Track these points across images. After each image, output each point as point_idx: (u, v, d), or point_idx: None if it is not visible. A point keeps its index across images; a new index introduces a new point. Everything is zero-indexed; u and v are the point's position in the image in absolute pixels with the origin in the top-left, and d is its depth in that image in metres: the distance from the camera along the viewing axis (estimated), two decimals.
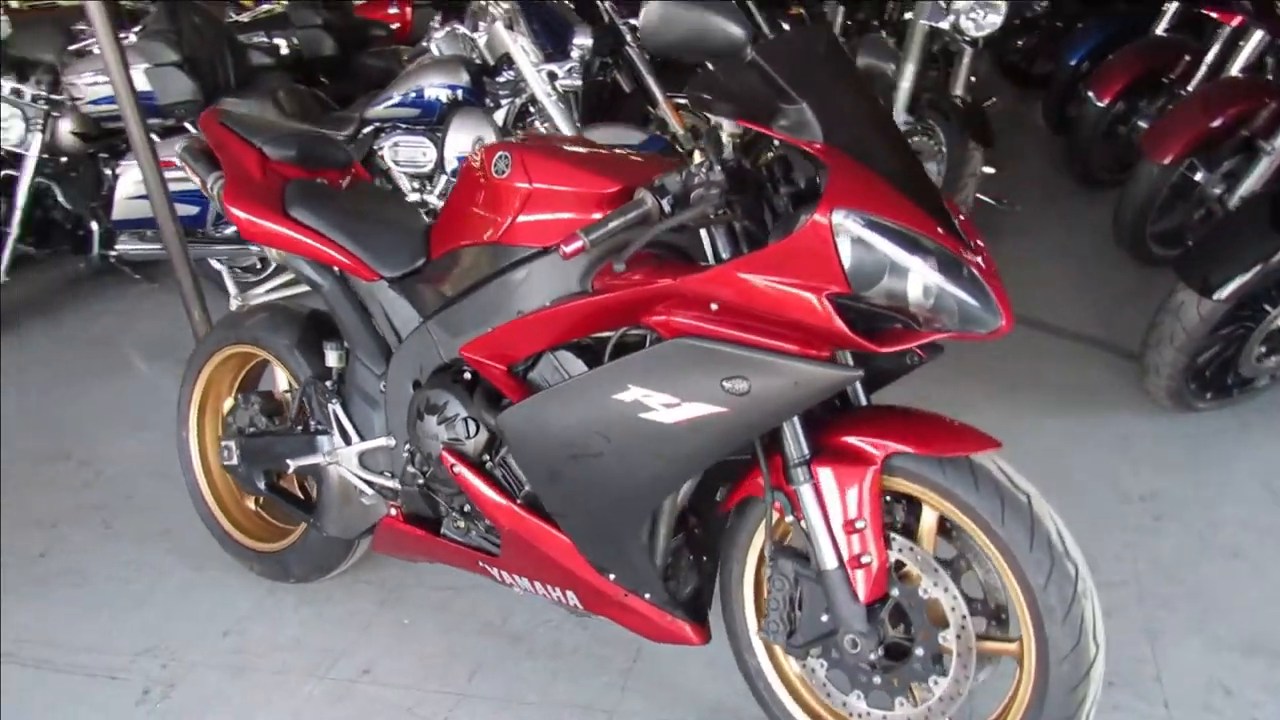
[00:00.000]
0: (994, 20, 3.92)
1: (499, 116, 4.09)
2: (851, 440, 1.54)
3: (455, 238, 1.84)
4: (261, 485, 2.32)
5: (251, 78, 4.60)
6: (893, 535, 1.56)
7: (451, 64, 4.03)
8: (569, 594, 1.85)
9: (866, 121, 1.52)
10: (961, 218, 1.54)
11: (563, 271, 1.64)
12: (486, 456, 1.84)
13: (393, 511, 2.08)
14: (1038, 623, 1.47)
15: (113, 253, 4.45)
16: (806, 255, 1.36)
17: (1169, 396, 2.77)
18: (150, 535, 2.71)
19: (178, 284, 3.36)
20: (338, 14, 5.64)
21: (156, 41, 4.16)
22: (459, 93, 3.97)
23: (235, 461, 2.32)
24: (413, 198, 4.05)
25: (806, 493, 1.54)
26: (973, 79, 4.26)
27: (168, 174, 3.21)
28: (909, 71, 3.99)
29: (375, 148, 4.13)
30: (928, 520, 1.57)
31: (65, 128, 4.34)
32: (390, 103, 4.06)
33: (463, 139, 3.86)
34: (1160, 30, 4.69)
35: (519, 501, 1.80)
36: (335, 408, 2.12)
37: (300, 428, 2.23)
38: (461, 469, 1.82)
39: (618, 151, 1.85)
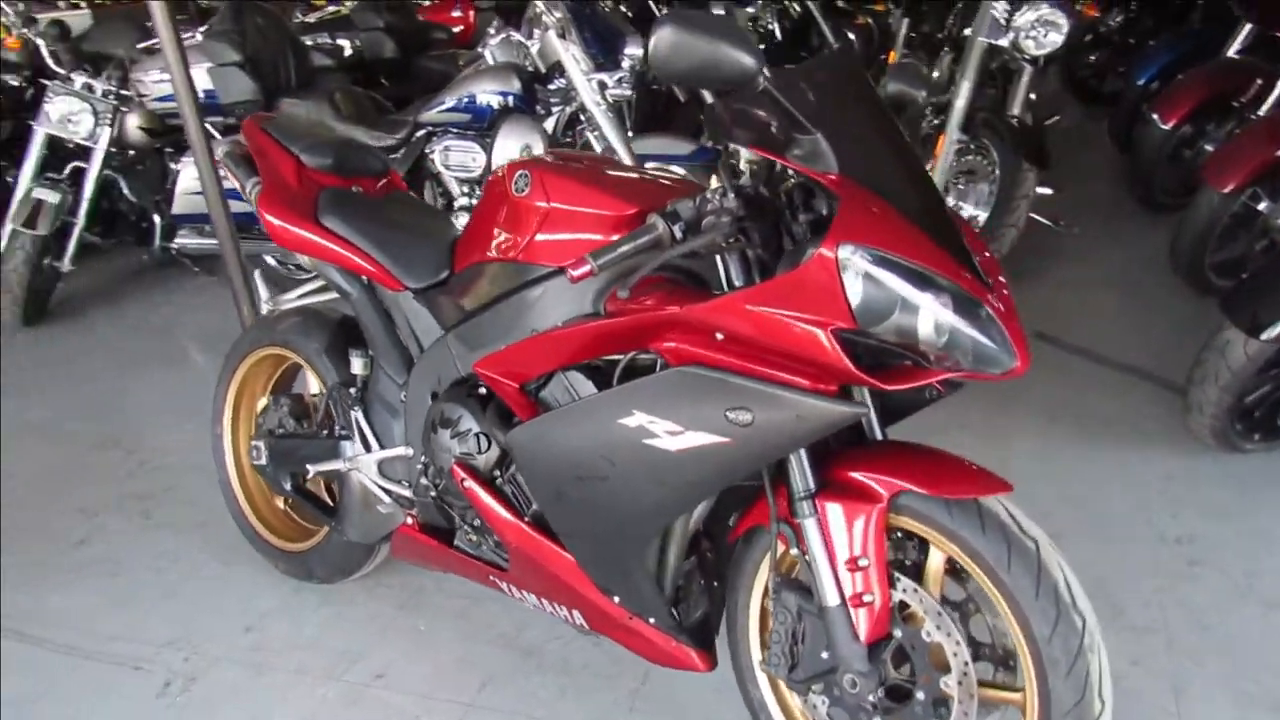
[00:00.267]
0: (1055, 39, 3.82)
1: (549, 124, 4.12)
2: (858, 476, 1.51)
3: (478, 252, 1.85)
4: (288, 486, 2.36)
5: (312, 79, 4.71)
6: (898, 576, 1.53)
7: (504, 70, 4.06)
8: (575, 613, 1.85)
9: (886, 153, 1.49)
10: (987, 254, 1.50)
11: (576, 293, 1.64)
12: (497, 472, 1.84)
13: (409, 520, 2.10)
14: (1041, 674, 1.43)
15: (173, 245, 4.59)
16: (812, 289, 1.34)
17: (1213, 436, 2.67)
18: (187, 528, 2.78)
19: (229, 279, 3.44)
20: (400, 17, 5.73)
21: (220, 42, 4.28)
22: (510, 99, 4.00)
23: (264, 462, 2.36)
24: (462, 202, 4.09)
25: (811, 527, 1.52)
26: (1033, 97, 4.17)
27: (223, 172, 3.28)
28: (965, 89, 3.90)
29: (427, 151, 4.18)
30: (935, 561, 1.54)
31: (133, 123, 4.47)
32: (443, 107, 4.11)
33: (511, 145, 3.88)
34: (1233, 51, 4.53)
35: (527, 519, 1.81)
36: (358, 415, 2.14)
37: (325, 432, 2.27)
38: (472, 484, 1.83)
39: (643, 173, 1.85)
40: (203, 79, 4.22)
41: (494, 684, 2.13)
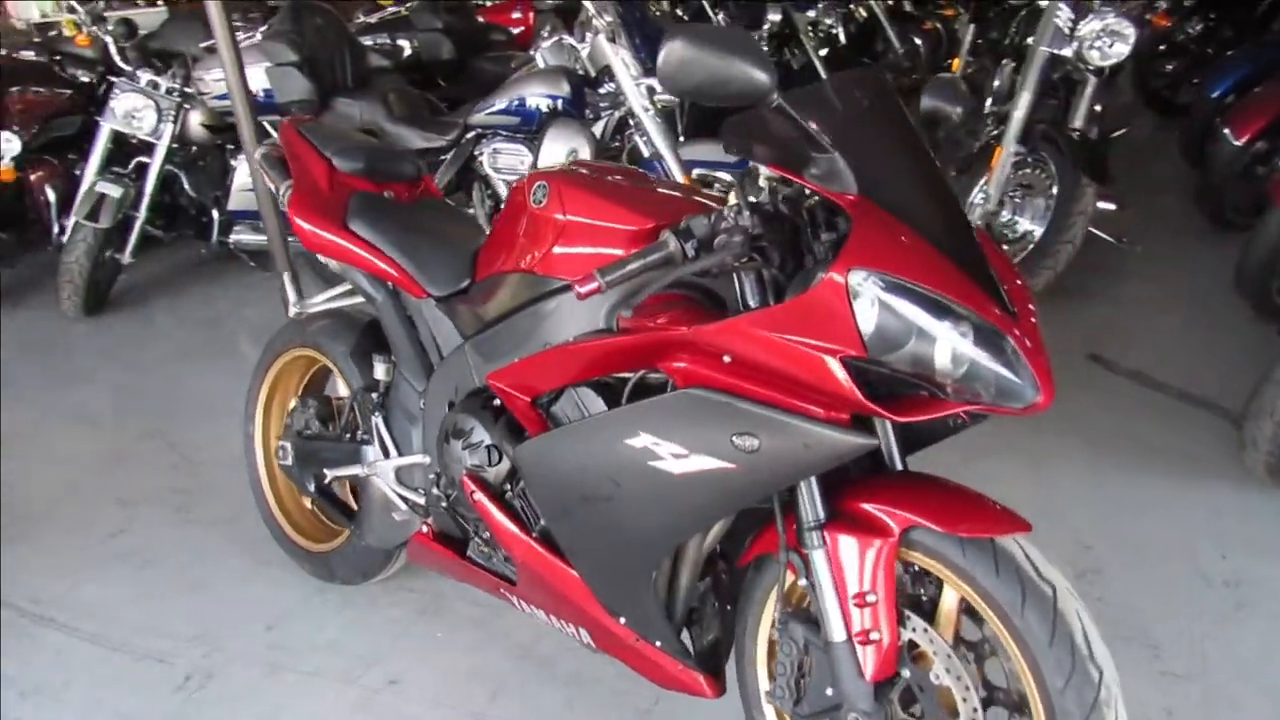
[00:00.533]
0: (1121, 50, 3.69)
1: (598, 129, 4.10)
2: (870, 508, 1.45)
3: (498, 262, 1.83)
4: (311, 487, 2.37)
5: (368, 79, 4.75)
6: (908, 614, 1.47)
7: (554, 74, 4.05)
8: (582, 631, 1.82)
9: (909, 174, 1.43)
10: (1018, 282, 1.44)
11: (588, 308, 1.61)
12: (508, 486, 1.82)
13: (424, 528, 2.10)
14: None
15: (229, 240, 4.68)
16: (822, 315, 1.29)
17: (1269, 473, 2.54)
18: (220, 522, 2.82)
19: (279, 275, 3.49)
20: (459, 18, 5.77)
21: (278, 42, 4.34)
22: (559, 103, 3.99)
23: (289, 462, 2.38)
24: None
25: (819, 558, 1.47)
26: (1098, 109, 4.02)
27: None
28: (1024, 100, 3.78)
29: (476, 153, 4.20)
30: (949, 600, 1.47)
31: (195, 120, 4.57)
32: (492, 109, 4.11)
33: (557, 149, 3.87)
34: None
35: (535, 535, 1.78)
36: (378, 420, 2.15)
37: (349, 436, 2.28)
38: (481, 496, 1.81)
39: (666, 187, 1.81)
40: (260, 78, 4.29)
41: (504, 695, 2.12)
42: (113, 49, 4.49)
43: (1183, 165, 5.30)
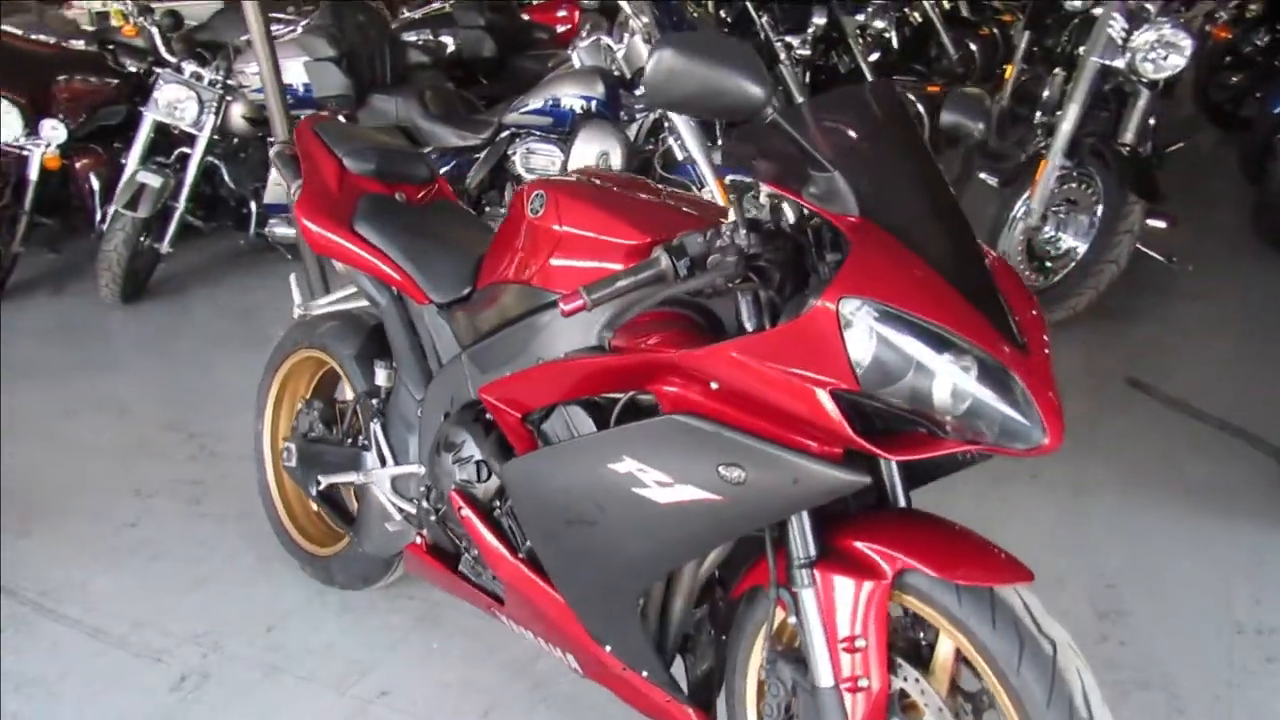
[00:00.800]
0: (1177, 62, 3.54)
1: (631, 131, 4.04)
2: (864, 547, 1.37)
3: (498, 271, 1.78)
4: (313, 491, 2.35)
5: (407, 75, 4.75)
6: (900, 662, 1.39)
7: (589, 75, 4.01)
8: (569, 656, 1.76)
9: (918, 196, 1.35)
10: (1033, 312, 1.35)
11: (581, 324, 1.54)
12: (496, 503, 1.77)
13: (418, 539, 2.06)
14: None
15: (266, 232, 4.71)
16: (811, 344, 1.22)
17: None
18: (231, 517, 2.81)
19: (305, 270, 3.49)
20: (502, 15, 5.75)
21: (317, 37, 4.35)
22: (593, 104, 3.95)
23: (293, 464, 2.36)
24: None
25: (808, 598, 1.39)
26: (1151, 122, 3.88)
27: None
28: (1073, 112, 3.65)
29: (509, 153, 4.17)
30: (944, 649, 1.39)
31: (237, 112, 4.60)
32: (526, 109, 4.09)
33: (589, 150, 3.82)
34: None
35: (521, 555, 1.73)
36: (377, 427, 2.11)
37: (349, 441, 2.25)
38: (468, 512, 1.76)
39: (670, 198, 1.73)
40: (299, 73, 4.31)
41: (496, 713, 2.07)
42: (158, 40, 4.53)
43: (1242, 182, 5.11)
